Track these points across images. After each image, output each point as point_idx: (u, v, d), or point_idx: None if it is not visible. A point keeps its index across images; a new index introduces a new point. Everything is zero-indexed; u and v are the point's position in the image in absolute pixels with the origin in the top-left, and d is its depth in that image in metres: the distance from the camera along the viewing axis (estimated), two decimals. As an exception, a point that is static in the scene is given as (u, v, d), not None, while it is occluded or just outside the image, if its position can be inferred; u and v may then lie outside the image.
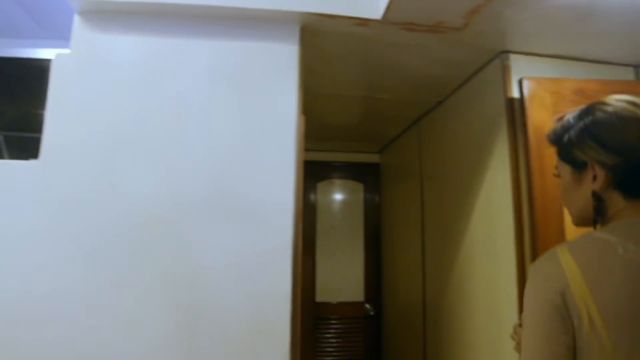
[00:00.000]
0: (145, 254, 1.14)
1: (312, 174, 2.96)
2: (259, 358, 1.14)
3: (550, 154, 1.33)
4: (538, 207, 1.31)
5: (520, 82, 1.40)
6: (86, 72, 1.22)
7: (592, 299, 0.75)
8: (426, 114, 2.18)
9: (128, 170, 1.17)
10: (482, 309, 1.63)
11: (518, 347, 1.05)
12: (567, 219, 1.36)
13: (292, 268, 1.19)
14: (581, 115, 0.88)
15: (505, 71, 1.52)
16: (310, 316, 2.79)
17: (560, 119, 0.92)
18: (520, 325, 1.04)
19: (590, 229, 0.87)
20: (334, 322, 2.84)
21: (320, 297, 2.85)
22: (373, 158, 3.03)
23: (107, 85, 1.22)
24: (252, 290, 1.16)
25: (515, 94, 1.46)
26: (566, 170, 0.91)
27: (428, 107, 2.11)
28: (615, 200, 0.85)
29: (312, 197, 2.91)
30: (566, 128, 0.90)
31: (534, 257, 1.31)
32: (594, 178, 0.85)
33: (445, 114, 1.99)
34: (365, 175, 3.02)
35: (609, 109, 0.86)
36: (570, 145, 0.88)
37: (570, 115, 0.90)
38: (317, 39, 1.43)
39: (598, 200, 0.85)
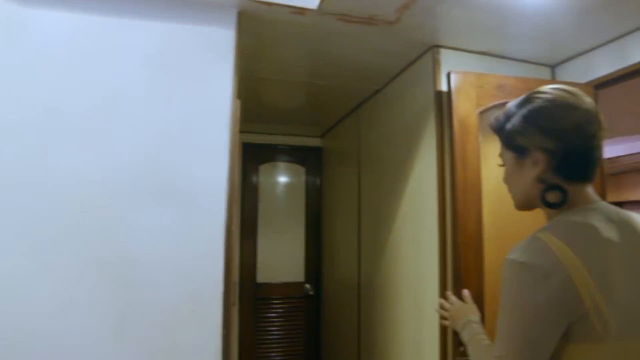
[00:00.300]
0: (78, 236, 1.13)
1: (255, 156, 2.97)
2: (191, 336, 1.17)
3: (472, 144, 1.44)
4: (459, 193, 1.42)
5: (448, 76, 1.48)
6: (11, 48, 1.15)
7: (597, 288, 0.73)
8: (365, 101, 2.25)
9: (59, 151, 1.14)
10: (409, 288, 1.75)
11: (445, 321, 1.15)
12: (486, 203, 1.49)
13: (224, 249, 1.21)
14: (522, 104, 0.90)
15: (435, 64, 1.61)
16: (252, 296, 2.84)
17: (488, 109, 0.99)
18: (446, 299, 1.15)
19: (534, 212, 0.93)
20: (275, 301, 2.90)
21: (261, 278, 2.90)
22: (315, 142, 3.08)
23: (36, 62, 1.16)
24: (184, 271, 1.18)
25: (443, 86, 1.56)
26: (509, 156, 0.93)
27: (366, 95, 2.18)
28: (565, 182, 0.86)
29: (254, 179, 2.92)
30: (508, 116, 0.91)
31: (454, 238, 1.42)
32: (535, 163, 0.87)
33: (382, 102, 2.07)
34: (307, 158, 3.06)
35: (547, 96, 0.88)
36: (513, 132, 0.90)
37: (511, 104, 0.93)
38: (256, 24, 1.43)
39: (543, 183, 0.86)
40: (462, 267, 1.40)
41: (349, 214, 2.46)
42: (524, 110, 0.89)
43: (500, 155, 0.97)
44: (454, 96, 1.45)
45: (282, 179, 3.05)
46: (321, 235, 2.97)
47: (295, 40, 1.61)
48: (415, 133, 1.72)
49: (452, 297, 1.18)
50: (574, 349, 0.75)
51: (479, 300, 1.41)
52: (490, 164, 1.56)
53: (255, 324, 2.84)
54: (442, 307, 1.18)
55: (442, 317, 1.19)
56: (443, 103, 1.52)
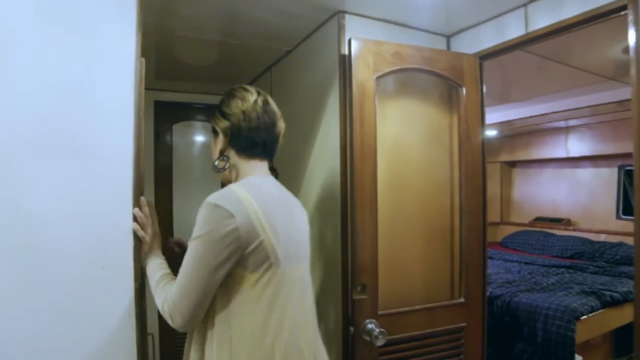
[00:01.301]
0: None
1: (169, 115, 2.90)
2: (104, 291, 1.20)
3: (369, 107, 1.57)
4: (357, 150, 1.56)
5: (349, 42, 1.59)
6: None
7: (269, 228, 1.05)
8: (278, 61, 2.30)
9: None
10: (320, 240, 1.90)
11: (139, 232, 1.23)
12: (381, 160, 1.65)
13: (132, 206, 1.24)
14: (225, 94, 1.28)
15: (340, 29, 1.70)
16: (169, 255, 2.86)
17: None
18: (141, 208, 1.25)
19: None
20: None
21: (178, 235, 2.91)
22: (231, 101, 3.07)
23: None
24: (91, 229, 1.19)
25: (347, 51, 1.66)
26: (213, 136, 1.27)
27: (279, 55, 2.23)
28: (235, 158, 1.21)
29: (167, 138, 2.88)
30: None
31: (352, 192, 1.57)
32: (220, 140, 1.22)
33: (293, 62, 2.14)
34: (223, 117, 3.06)
35: (231, 92, 1.26)
36: (213, 117, 1.26)
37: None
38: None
39: (223, 156, 1.22)
40: (358, 219, 1.56)
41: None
42: (222, 101, 1.26)
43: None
44: (353, 62, 1.56)
45: (198, 137, 3.03)
46: (238, 193, 3.04)
47: (203, -2, 1.61)
48: (322, 94, 1.82)
49: (146, 209, 1.26)
50: (253, 276, 1.05)
51: (373, 248, 1.60)
52: (387, 124, 1.72)
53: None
54: (138, 217, 1.23)
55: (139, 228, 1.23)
56: (345, 68, 1.63)
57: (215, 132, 1.25)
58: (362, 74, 1.58)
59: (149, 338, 2.81)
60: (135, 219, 1.23)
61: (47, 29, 1.14)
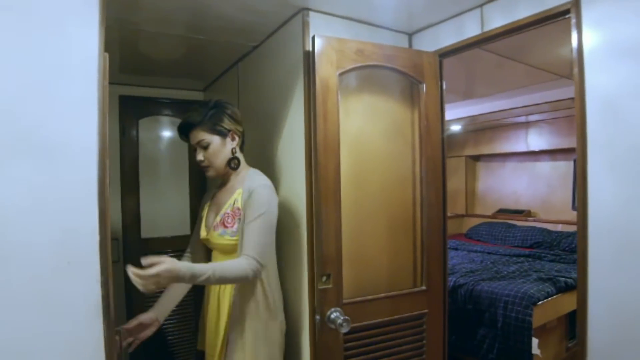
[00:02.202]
0: None
1: (134, 110, 2.86)
2: (69, 287, 1.20)
3: (332, 102, 1.62)
4: (321, 145, 1.61)
5: (313, 39, 1.63)
6: None
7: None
8: (244, 57, 2.32)
9: None
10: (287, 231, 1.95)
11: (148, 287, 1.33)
12: (344, 154, 1.70)
13: (98, 202, 1.24)
14: (216, 104, 1.69)
15: (304, 26, 1.73)
16: (137, 252, 2.83)
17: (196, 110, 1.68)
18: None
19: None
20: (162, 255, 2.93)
21: (146, 233, 2.90)
22: (198, 96, 3.06)
23: None
24: (56, 225, 1.18)
25: (311, 48, 1.70)
26: (215, 139, 1.64)
27: (245, 51, 2.24)
28: (239, 154, 1.73)
29: (133, 133, 2.84)
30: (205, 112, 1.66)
31: (316, 185, 1.62)
32: (234, 140, 1.70)
33: (259, 58, 2.16)
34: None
35: (225, 104, 1.71)
36: (220, 122, 1.66)
37: (205, 105, 1.69)
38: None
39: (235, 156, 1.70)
40: (322, 211, 1.62)
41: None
42: (226, 110, 1.70)
43: (202, 140, 1.64)
44: (317, 58, 1.61)
45: (164, 133, 3.00)
46: (206, 187, 3.04)
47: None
48: (288, 89, 1.86)
49: (140, 271, 1.33)
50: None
51: (337, 239, 1.66)
52: (350, 120, 1.77)
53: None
54: (136, 275, 1.31)
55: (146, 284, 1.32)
56: (310, 63, 1.67)
57: (223, 135, 1.65)
58: (326, 71, 1.62)
59: (118, 334, 2.79)
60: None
61: (3, 20, 1.13)
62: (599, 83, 1.38)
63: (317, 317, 1.65)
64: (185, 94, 3.01)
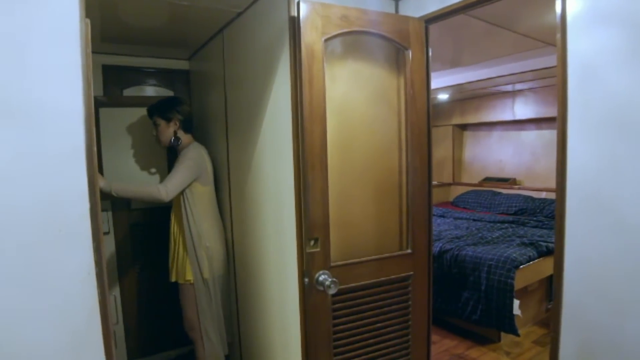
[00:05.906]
0: None
1: (119, 79, 2.82)
2: (62, 253, 1.22)
3: (317, 68, 1.62)
4: (307, 111, 1.63)
5: (298, 4, 1.61)
6: None
7: (209, 166, 2.44)
8: (229, 24, 2.28)
9: None
10: (270, 199, 1.98)
11: None
12: (330, 120, 1.72)
13: (87, 169, 1.25)
14: (171, 99, 2.47)
15: (289, -9, 1.71)
16: (127, 223, 2.86)
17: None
18: None
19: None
20: (153, 228, 2.96)
21: (135, 204, 2.91)
22: (183, 65, 3.02)
23: None
24: (45, 192, 1.18)
25: (296, 13, 1.68)
26: (162, 122, 2.38)
27: (230, 17, 2.21)
28: (182, 134, 2.42)
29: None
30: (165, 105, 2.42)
31: (303, 149, 1.64)
32: (175, 125, 2.39)
33: (244, 24, 2.13)
34: (175, 82, 3.01)
35: (181, 101, 2.47)
36: (168, 112, 2.38)
37: (169, 99, 2.49)
38: None
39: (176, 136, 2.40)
40: (309, 176, 1.64)
41: (217, 135, 2.57)
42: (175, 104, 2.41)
43: (155, 121, 2.40)
44: (302, 24, 1.60)
45: (149, 102, 2.95)
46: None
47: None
48: (273, 56, 1.85)
49: None
50: (201, 187, 2.35)
51: (324, 204, 1.69)
52: (336, 86, 1.78)
53: (132, 251, 2.90)
54: None
55: None
56: (295, 29, 1.66)
57: (167, 120, 2.39)
58: (311, 37, 1.62)
59: (112, 299, 2.84)
60: None
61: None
62: (580, 48, 1.41)
63: (306, 279, 1.70)
64: (170, 63, 2.97)
